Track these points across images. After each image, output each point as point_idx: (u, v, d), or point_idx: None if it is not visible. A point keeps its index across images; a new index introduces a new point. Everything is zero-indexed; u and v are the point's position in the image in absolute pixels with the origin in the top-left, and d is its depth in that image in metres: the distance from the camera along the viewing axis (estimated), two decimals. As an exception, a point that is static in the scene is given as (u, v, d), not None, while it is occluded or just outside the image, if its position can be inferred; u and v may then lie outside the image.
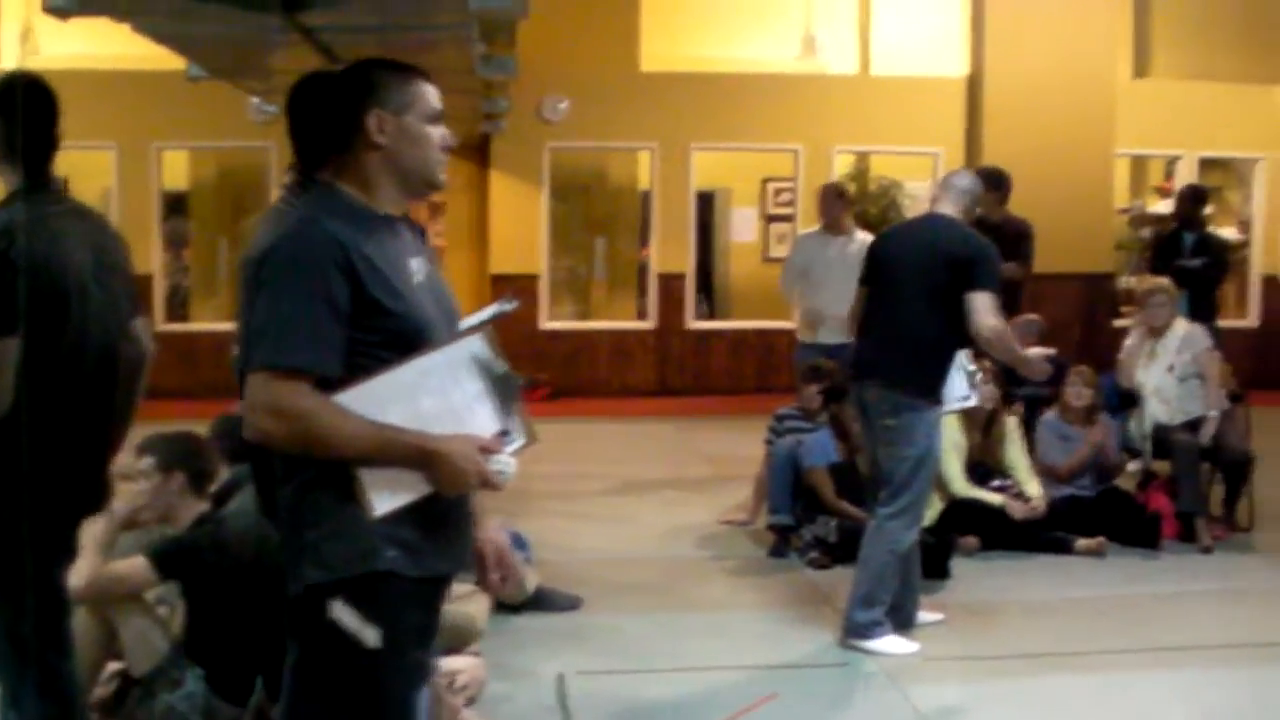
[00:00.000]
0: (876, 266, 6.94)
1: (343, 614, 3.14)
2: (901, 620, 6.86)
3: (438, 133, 3.37)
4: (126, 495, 5.29)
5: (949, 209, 6.79)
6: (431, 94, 3.37)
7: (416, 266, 3.31)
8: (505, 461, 3.25)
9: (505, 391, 3.30)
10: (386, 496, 3.11)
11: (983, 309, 6.48)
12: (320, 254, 3.09)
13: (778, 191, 17.95)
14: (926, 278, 6.63)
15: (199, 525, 5.22)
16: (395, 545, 3.17)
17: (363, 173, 3.30)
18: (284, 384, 3.05)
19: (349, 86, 3.33)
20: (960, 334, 6.60)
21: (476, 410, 3.25)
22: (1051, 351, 6.98)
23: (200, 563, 4.97)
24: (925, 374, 6.66)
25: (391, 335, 3.18)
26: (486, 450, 3.21)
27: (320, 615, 3.15)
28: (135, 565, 4.99)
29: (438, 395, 3.18)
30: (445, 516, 3.29)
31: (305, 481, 3.15)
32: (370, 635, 3.15)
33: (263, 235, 3.17)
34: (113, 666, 5.30)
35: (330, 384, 3.08)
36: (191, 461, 5.35)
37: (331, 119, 3.31)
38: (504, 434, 3.28)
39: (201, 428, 5.85)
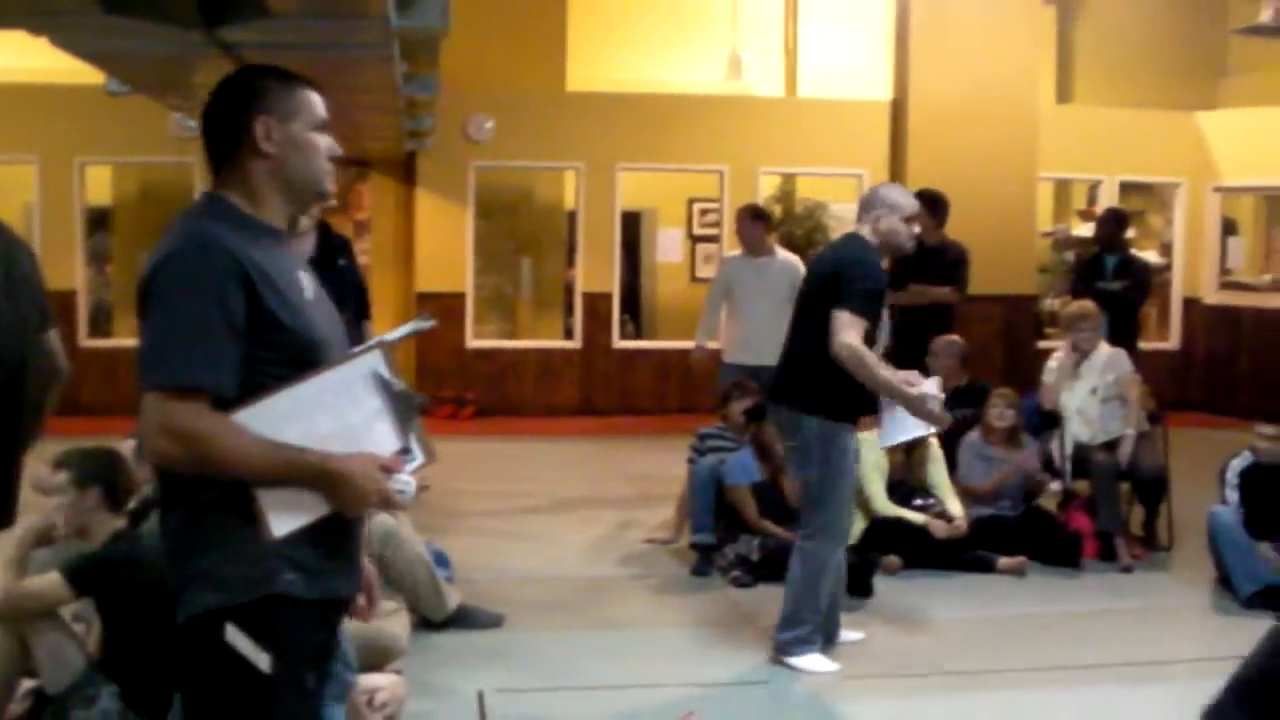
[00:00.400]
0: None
1: (237, 639, 3.06)
2: (824, 638, 6.88)
3: (325, 141, 3.32)
4: (42, 509, 5.24)
5: (862, 226, 6.81)
6: (318, 102, 3.31)
7: (306, 282, 3.26)
8: (405, 480, 3.23)
9: (404, 409, 3.25)
10: (285, 518, 3.04)
11: (841, 327, 6.37)
12: (215, 266, 3.02)
13: (704, 212, 18.03)
14: (806, 295, 6.72)
15: (114, 541, 5.17)
16: (293, 568, 3.10)
17: (250, 182, 3.24)
18: (180, 404, 2.97)
19: (235, 92, 3.26)
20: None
21: (375, 428, 3.19)
22: (940, 396, 6.74)
23: (115, 579, 4.92)
24: (815, 392, 6.57)
25: (287, 352, 3.11)
26: (386, 469, 3.16)
27: (215, 641, 3.07)
28: (50, 582, 4.94)
29: (335, 413, 3.12)
30: (343, 537, 3.24)
31: (200, 504, 3.07)
32: (263, 660, 3.07)
33: (156, 249, 3.10)
34: (27, 684, 5.23)
35: (226, 403, 3.01)
36: (108, 476, 5.30)
37: (218, 125, 3.26)
38: (404, 452, 3.24)
39: (123, 444, 5.80)
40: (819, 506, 6.65)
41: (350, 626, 4.63)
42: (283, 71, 3.31)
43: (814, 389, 6.57)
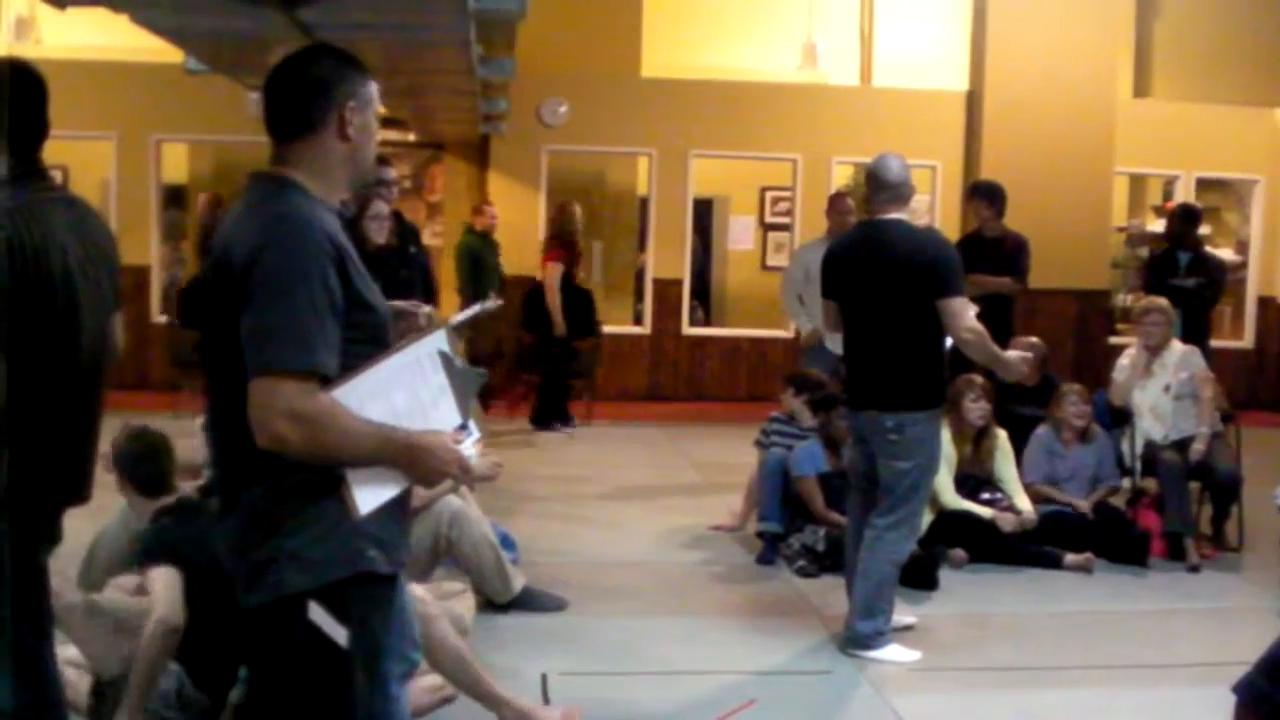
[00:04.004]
0: (836, 280, 6.96)
1: (321, 617, 3.12)
2: None
3: (376, 132, 3.40)
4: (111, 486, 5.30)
5: (899, 210, 6.77)
6: (376, 91, 3.39)
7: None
8: (470, 454, 3.29)
9: (465, 387, 3.33)
10: (369, 495, 3.12)
11: (960, 312, 6.54)
12: (317, 250, 3.08)
13: (776, 200, 17.98)
14: (889, 292, 6.64)
15: (159, 518, 5.22)
16: (375, 545, 3.18)
17: (325, 164, 3.28)
18: (298, 386, 3.01)
19: (322, 73, 3.28)
20: (939, 337, 6.65)
21: (440, 404, 3.27)
22: (1029, 354, 6.92)
23: (173, 555, 4.97)
24: (919, 388, 6.67)
25: (370, 331, 3.20)
26: (455, 443, 3.24)
27: (296, 620, 3.12)
28: (170, 581, 4.97)
29: (410, 390, 3.20)
30: (405, 510, 3.34)
31: (285, 485, 3.11)
32: (341, 635, 3.14)
33: (247, 232, 3.11)
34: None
35: (322, 384, 3.07)
36: (126, 465, 5.39)
37: (298, 104, 3.28)
38: (462, 428, 3.31)
39: (194, 422, 5.84)
40: (908, 497, 6.70)
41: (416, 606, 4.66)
42: (353, 56, 3.37)
43: (917, 385, 6.66)
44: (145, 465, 5.37)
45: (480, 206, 14.65)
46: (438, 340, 3.30)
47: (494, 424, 13.10)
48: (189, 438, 5.87)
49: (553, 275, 13.36)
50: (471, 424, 3.39)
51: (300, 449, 3.03)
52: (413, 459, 3.15)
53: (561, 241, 13.45)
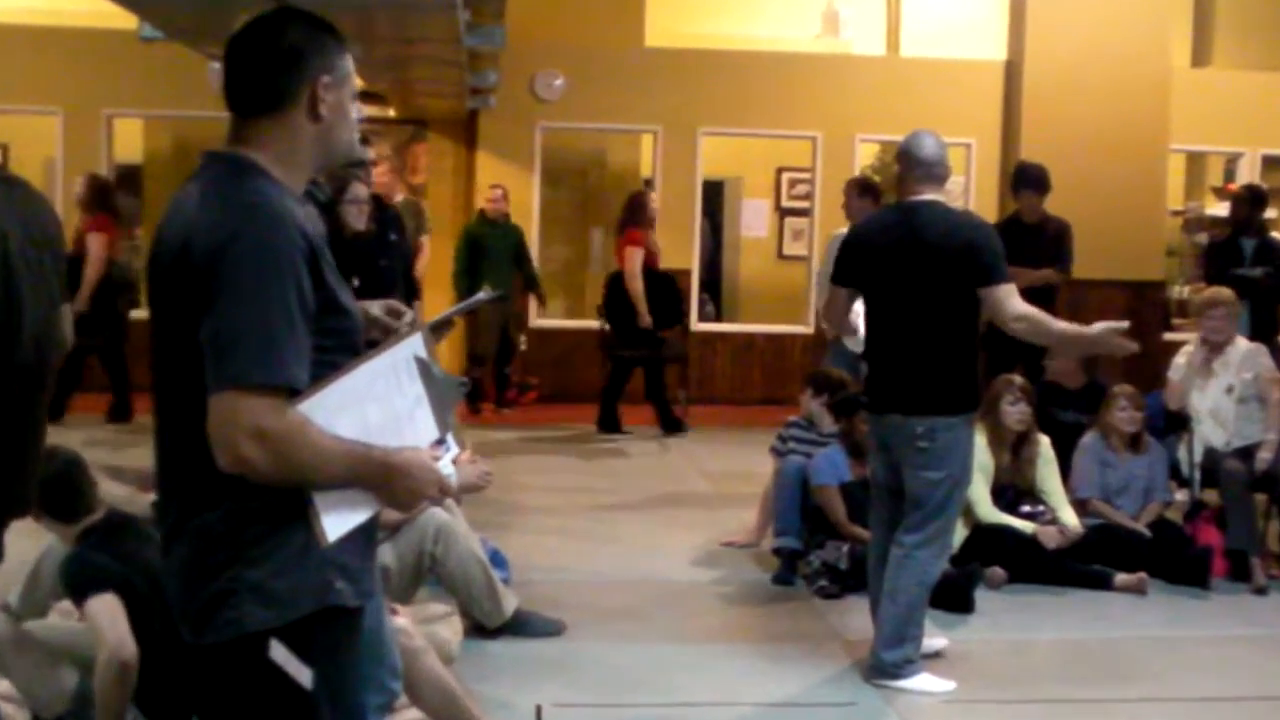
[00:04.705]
0: (858, 267, 6.94)
1: (282, 655, 3.07)
2: None
3: (356, 111, 3.32)
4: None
5: (935, 191, 6.76)
6: (352, 64, 3.31)
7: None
8: (449, 472, 3.27)
9: (444, 397, 3.28)
10: (337, 520, 3.05)
11: (1006, 299, 6.52)
12: (291, 246, 3.00)
13: (793, 183, 18.00)
14: (921, 284, 6.62)
15: (83, 539, 5.22)
16: (342, 575, 3.13)
17: (292, 145, 3.19)
18: (267, 402, 2.92)
19: (294, 43, 3.18)
20: (974, 332, 6.67)
21: (416, 416, 3.22)
22: (1122, 324, 6.74)
23: (107, 582, 4.97)
24: (953, 388, 6.65)
25: (345, 337, 3.15)
26: (432, 460, 3.20)
27: (255, 659, 3.07)
28: (113, 610, 4.97)
29: (384, 402, 3.14)
30: (372, 535, 3.30)
31: (245, 509, 3.04)
32: (306, 676, 3.09)
33: (210, 222, 3.02)
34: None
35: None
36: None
37: (264, 76, 3.18)
38: (440, 442, 3.28)
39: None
40: (941, 510, 6.66)
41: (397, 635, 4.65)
42: (329, 24, 3.28)
43: (950, 385, 6.64)
44: (58, 490, 5.25)
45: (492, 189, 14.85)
46: (414, 345, 3.25)
47: (553, 431, 13.10)
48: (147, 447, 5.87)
49: (633, 261, 13.58)
50: (450, 438, 3.34)
51: (267, 471, 2.96)
52: (388, 480, 3.09)
53: (639, 226, 13.63)
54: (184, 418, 3.05)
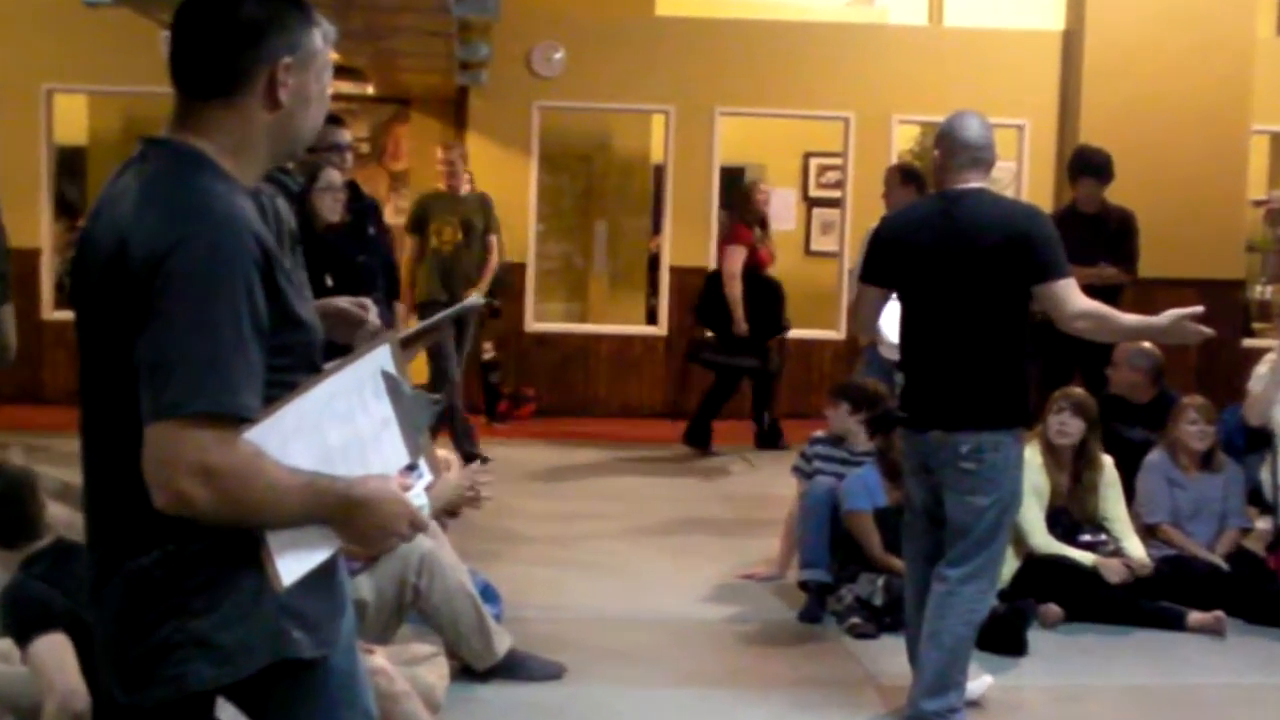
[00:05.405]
0: (889, 263, 6.91)
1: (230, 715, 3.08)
2: None
3: (322, 91, 3.27)
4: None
5: (980, 178, 6.75)
6: (321, 41, 3.24)
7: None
8: (421, 502, 3.23)
9: (414, 417, 3.24)
10: (293, 562, 3.02)
11: (1069, 296, 6.48)
12: (244, 254, 2.95)
13: (822, 169, 18.03)
14: (977, 274, 6.62)
15: (26, 568, 5.23)
16: (299, 624, 3.10)
17: (245, 135, 3.14)
18: (213, 434, 2.87)
19: (248, 17, 3.11)
20: (1025, 337, 6.65)
21: (383, 439, 3.18)
22: (1197, 308, 6.66)
23: (48, 616, 4.99)
24: (1004, 400, 6.61)
25: (299, 353, 3.11)
26: (404, 489, 3.17)
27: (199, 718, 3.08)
28: (60, 651, 4.98)
29: (346, 423, 3.10)
30: (335, 576, 3.26)
31: (187, 552, 3.01)
32: None
33: (152, 223, 2.96)
34: None
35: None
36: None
37: (215, 54, 3.11)
38: (410, 468, 3.23)
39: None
40: (988, 541, 6.60)
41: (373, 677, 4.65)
42: None
43: (999, 397, 6.60)
44: (2, 511, 5.30)
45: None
46: (381, 358, 3.19)
47: (552, 449, 13.12)
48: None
49: (734, 261, 13.67)
50: (423, 464, 3.28)
51: (211, 511, 2.91)
52: (350, 515, 3.05)
53: (746, 222, 13.76)
54: (114, 446, 3.02)
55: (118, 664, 3.09)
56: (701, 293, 14.10)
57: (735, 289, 13.60)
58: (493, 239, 12.89)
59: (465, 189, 12.61)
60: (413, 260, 12.37)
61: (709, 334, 14.12)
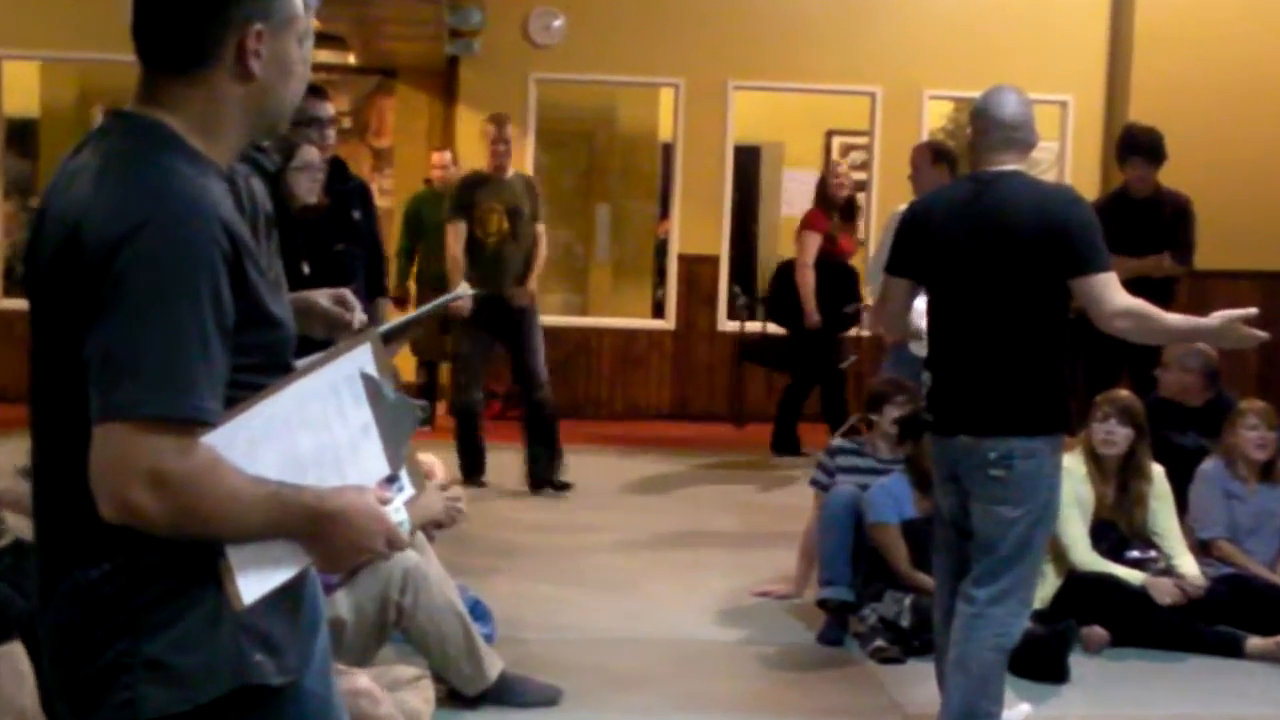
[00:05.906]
0: (918, 253, 6.89)
1: None
2: None
3: (304, 59, 3.23)
4: None
5: (1015, 160, 6.72)
6: (301, 4, 3.18)
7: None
8: (401, 518, 3.20)
9: (396, 424, 3.19)
10: (256, 579, 2.99)
11: (1110, 291, 6.42)
12: (208, 241, 2.90)
13: (847, 149, 18.04)
14: (1011, 265, 6.59)
15: None
16: (261, 647, 3.07)
17: (215, 110, 3.09)
18: (169, 440, 2.82)
19: None
20: (1064, 335, 6.61)
21: (361, 448, 3.14)
22: (1251, 310, 6.61)
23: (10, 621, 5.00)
24: (1041, 402, 6.57)
25: (269, 353, 3.08)
26: (383, 503, 3.12)
27: None
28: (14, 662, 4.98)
29: (320, 428, 3.06)
30: (300, 595, 3.22)
31: (139, 565, 2.97)
32: None
33: (110, 204, 2.91)
34: None
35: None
36: None
37: (181, 20, 3.05)
38: (390, 480, 3.19)
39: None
40: (1018, 557, 6.53)
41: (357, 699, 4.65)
42: None
43: (1034, 400, 6.55)
44: None
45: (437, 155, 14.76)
46: (360, 358, 3.15)
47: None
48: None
49: (808, 249, 13.77)
50: (404, 476, 3.22)
51: (163, 523, 2.87)
52: (320, 530, 3.02)
53: (825, 208, 13.86)
54: (63, 449, 2.99)
55: (65, 685, 3.07)
56: (772, 284, 14.21)
57: (807, 279, 13.66)
58: (540, 227, 12.72)
59: (509, 173, 12.44)
60: (453, 253, 12.19)
61: (768, 329, 14.26)
